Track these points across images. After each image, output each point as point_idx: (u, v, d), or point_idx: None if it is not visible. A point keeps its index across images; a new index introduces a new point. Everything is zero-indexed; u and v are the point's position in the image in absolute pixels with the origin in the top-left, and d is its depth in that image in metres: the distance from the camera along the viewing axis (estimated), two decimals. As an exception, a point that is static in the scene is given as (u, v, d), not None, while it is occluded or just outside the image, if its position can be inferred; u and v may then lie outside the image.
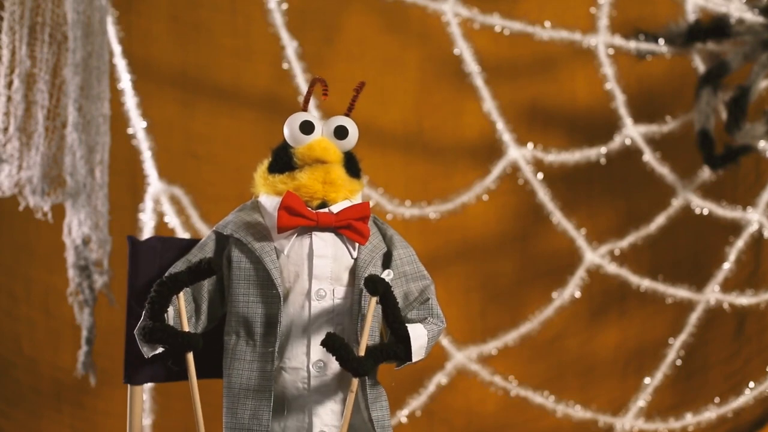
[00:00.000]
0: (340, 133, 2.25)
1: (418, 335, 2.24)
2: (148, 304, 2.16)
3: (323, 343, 2.13)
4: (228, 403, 2.24)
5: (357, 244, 2.25)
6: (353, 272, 2.24)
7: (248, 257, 2.23)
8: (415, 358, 2.23)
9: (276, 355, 2.21)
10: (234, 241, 2.25)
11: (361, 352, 2.17)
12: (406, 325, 2.22)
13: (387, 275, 2.25)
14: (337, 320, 2.23)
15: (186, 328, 2.18)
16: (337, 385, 2.24)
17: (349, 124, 2.27)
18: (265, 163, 2.30)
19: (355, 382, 2.18)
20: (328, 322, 2.22)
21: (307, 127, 2.24)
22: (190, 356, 2.18)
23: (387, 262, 2.30)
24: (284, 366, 2.23)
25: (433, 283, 2.33)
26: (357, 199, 2.29)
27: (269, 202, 2.26)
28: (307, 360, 2.23)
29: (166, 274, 2.19)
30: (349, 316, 2.23)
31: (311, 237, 2.23)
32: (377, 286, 2.16)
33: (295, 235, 2.23)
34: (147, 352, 2.20)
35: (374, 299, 2.18)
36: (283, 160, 2.26)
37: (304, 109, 2.29)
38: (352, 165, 2.28)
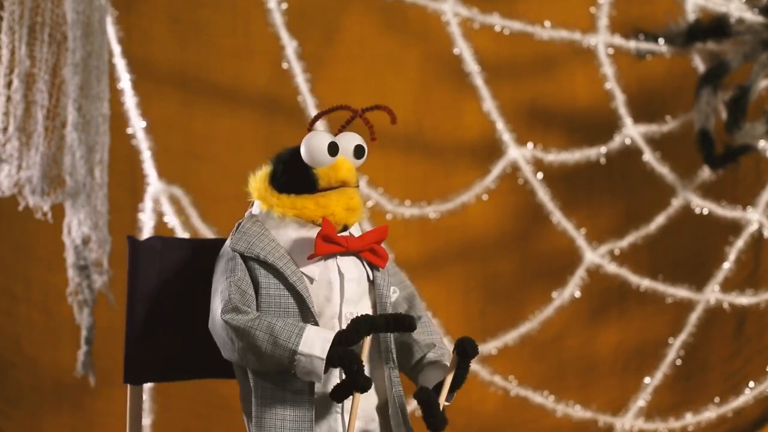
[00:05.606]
0: (359, 152, 2.20)
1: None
2: (344, 335, 2.08)
3: (416, 396, 2.11)
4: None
5: (371, 266, 2.21)
6: (371, 294, 2.21)
7: (278, 283, 2.15)
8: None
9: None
10: (261, 264, 2.16)
11: (441, 404, 2.14)
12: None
13: (393, 293, 2.24)
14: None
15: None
16: (371, 408, 2.20)
17: (364, 143, 2.22)
18: (264, 174, 2.22)
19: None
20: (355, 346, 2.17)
21: (334, 149, 2.17)
22: (358, 396, 2.11)
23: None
24: (318, 392, 2.17)
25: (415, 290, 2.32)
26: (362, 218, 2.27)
27: (292, 223, 2.18)
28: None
29: (366, 315, 2.11)
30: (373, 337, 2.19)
31: (336, 261, 2.18)
32: (468, 351, 2.13)
33: (322, 259, 2.17)
34: (322, 375, 2.12)
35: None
36: (303, 181, 2.18)
37: (310, 128, 2.22)
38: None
